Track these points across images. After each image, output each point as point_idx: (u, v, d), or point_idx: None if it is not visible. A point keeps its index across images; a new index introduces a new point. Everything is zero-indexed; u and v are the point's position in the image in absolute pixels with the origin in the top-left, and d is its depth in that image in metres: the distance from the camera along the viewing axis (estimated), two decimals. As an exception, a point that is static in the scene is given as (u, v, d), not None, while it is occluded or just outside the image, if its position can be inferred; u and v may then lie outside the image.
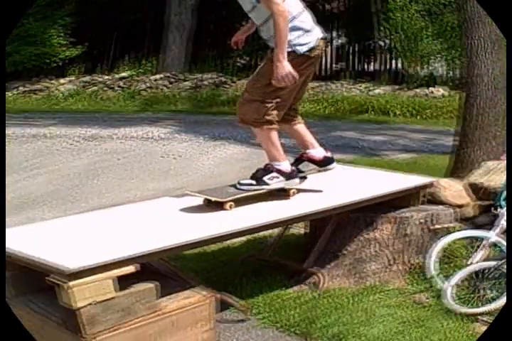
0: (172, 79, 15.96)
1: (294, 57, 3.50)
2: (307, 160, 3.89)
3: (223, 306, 3.29)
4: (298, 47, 3.52)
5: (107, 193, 6.26)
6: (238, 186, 3.53)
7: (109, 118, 12.30)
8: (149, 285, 2.90)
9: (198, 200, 3.62)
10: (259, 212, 3.44)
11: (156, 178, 6.91)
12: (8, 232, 3.33)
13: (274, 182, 3.56)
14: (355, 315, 3.31)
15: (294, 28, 3.50)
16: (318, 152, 3.87)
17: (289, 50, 3.48)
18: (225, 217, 3.38)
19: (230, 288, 3.44)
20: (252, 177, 3.58)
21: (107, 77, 16.31)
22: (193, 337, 3.03)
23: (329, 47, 17.13)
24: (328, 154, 3.90)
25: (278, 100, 3.53)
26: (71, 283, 2.64)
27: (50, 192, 6.39)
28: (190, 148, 8.90)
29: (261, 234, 3.97)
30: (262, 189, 3.54)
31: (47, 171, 7.51)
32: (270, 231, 3.98)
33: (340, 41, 17.68)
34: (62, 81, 16.32)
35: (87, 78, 16.24)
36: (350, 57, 17.00)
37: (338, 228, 3.76)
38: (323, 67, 17.68)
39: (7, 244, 3.05)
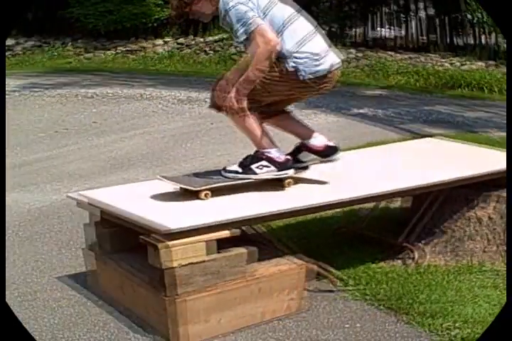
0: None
1: (295, 78, 3.14)
2: (307, 151, 3.43)
3: (312, 275, 3.26)
4: (301, 73, 3.12)
5: (199, 157, 6.29)
6: (223, 173, 3.21)
7: (202, 81, 12.38)
8: (241, 251, 2.92)
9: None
10: (358, 185, 3.35)
11: (248, 144, 6.88)
12: (106, 191, 3.42)
13: (264, 171, 3.19)
14: (448, 294, 3.22)
15: (302, 52, 3.13)
16: (318, 141, 3.41)
17: (292, 69, 3.12)
18: (323, 187, 3.33)
19: (319, 258, 3.39)
20: (239, 165, 3.25)
21: (199, 40, 16.38)
22: (278, 303, 3.04)
23: (415, 18, 16.62)
24: (331, 143, 3.44)
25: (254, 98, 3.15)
26: (165, 244, 2.69)
27: (145, 154, 6.49)
28: (283, 116, 8.86)
29: (356, 206, 3.89)
30: (249, 178, 3.20)
31: (142, 132, 7.63)
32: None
33: (425, 13, 17.09)
34: (157, 42, 16.52)
35: (181, 40, 16.37)
36: (438, 29, 16.41)
37: (437, 204, 3.62)
38: (409, 38, 17.22)
39: (105, 202, 3.11)
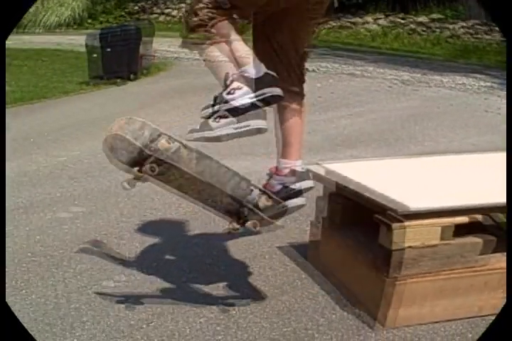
0: (477, 29, 15.18)
1: None
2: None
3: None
4: None
5: (428, 141, 6.16)
6: (187, 136, 2.41)
7: (421, 63, 12.11)
8: (475, 240, 2.82)
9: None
10: None
11: (477, 132, 6.61)
12: (341, 164, 3.44)
13: (222, 125, 2.31)
14: None
15: None
16: (288, 163, 2.72)
17: None
18: None
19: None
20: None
21: (411, 19, 15.93)
22: (501, 299, 2.86)
23: None
24: (299, 167, 2.75)
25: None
26: (400, 224, 2.64)
27: (372, 132, 6.48)
28: (517, 107, 8.41)
29: None
30: (207, 137, 2.35)
31: (367, 111, 7.65)
32: None
33: None
34: (367, 19, 16.36)
35: (392, 18, 16.05)
36: None
37: None
38: None
39: (341, 175, 3.13)
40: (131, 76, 9.77)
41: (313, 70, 10.67)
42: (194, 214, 3.94)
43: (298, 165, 2.72)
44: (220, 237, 3.60)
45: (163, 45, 11.90)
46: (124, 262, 3.36)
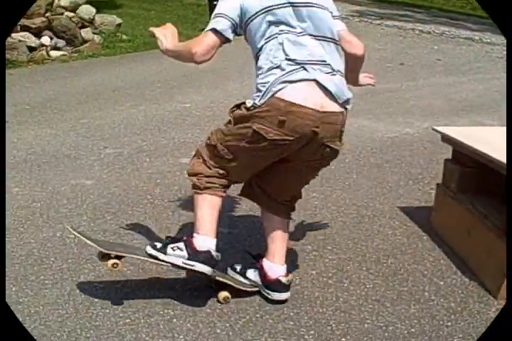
0: None
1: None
2: (257, 270, 2.70)
3: None
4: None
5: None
6: (147, 246, 2.62)
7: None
8: None
9: None
10: None
11: None
12: (464, 129, 3.28)
13: (174, 254, 2.52)
14: None
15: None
16: (273, 268, 2.65)
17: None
18: None
19: None
20: (166, 239, 2.69)
21: None
22: None
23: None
24: (285, 280, 2.62)
25: (220, 171, 2.53)
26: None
27: (497, 99, 6.19)
28: None
29: None
30: (156, 258, 2.55)
31: (486, 78, 7.36)
32: None
33: None
34: None
35: None
36: None
37: None
38: None
39: (461, 140, 2.99)
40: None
41: (429, 32, 10.35)
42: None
43: (282, 275, 2.65)
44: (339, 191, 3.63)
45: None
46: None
